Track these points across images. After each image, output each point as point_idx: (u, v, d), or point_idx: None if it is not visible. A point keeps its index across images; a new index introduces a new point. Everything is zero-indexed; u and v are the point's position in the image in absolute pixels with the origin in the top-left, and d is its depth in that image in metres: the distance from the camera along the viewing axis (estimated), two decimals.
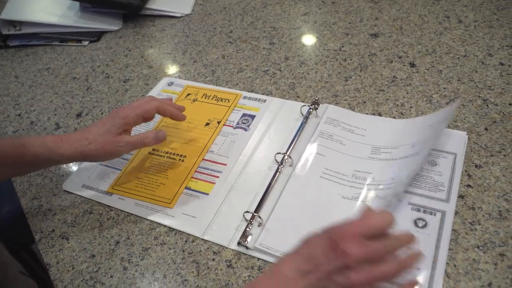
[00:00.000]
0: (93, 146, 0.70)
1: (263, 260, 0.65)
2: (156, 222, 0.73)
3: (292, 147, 0.79)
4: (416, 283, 0.57)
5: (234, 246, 0.67)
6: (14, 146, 0.69)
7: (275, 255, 0.65)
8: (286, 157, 0.76)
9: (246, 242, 0.67)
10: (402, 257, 0.51)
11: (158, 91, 0.99)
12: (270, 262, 0.65)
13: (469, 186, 0.70)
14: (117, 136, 0.71)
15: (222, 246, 0.68)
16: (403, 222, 0.66)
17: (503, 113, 0.80)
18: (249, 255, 0.66)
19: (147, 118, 0.76)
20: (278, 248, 0.66)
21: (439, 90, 0.86)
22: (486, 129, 0.78)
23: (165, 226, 0.72)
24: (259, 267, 0.65)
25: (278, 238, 0.67)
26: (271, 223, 0.69)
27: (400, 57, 0.96)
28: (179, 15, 1.24)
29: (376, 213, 0.51)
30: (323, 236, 0.51)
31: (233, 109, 0.91)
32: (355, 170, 0.74)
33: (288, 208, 0.71)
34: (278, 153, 0.78)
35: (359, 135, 0.80)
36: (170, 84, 1.00)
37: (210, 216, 0.72)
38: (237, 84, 0.97)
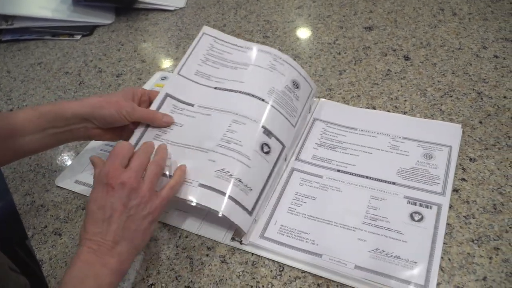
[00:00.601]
0: (101, 99, 0.69)
1: (257, 255, 0.65)
2: None
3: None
4: (184, 166, 0.67)
5: (228, 241, 0.67)
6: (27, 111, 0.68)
7: (268, 250, 0.65)
8: (282, 153, 0.75)
9: (240, 238, 0.66)
10: (155, 157, 0.65)
11: (151, 85, 0.98)
12: (264, 257, 0.65)
13: (463, 179, 0.69)
14: (128, 102, 0.71)
15: (216, 241, 0.68)
16: (400, 216, 0.66)
17: (497, 106, 0.80)
18: (243, 250, 0.66)
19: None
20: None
21: (434, 84, 0.86)
22: (480, 122, 0.77)
23: (158, 221, 0.72)
24: (253, 262, 0.64)
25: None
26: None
27: (394, 50, 0.95)
28: (173, 8, 1.23)
29: (116, 145, 0.63)
30: (98, 187, 0.59)
31: None
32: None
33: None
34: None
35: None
36: (163, 78, 0.99)
37: (203, 211, 0.71)
38: None
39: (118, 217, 0.57)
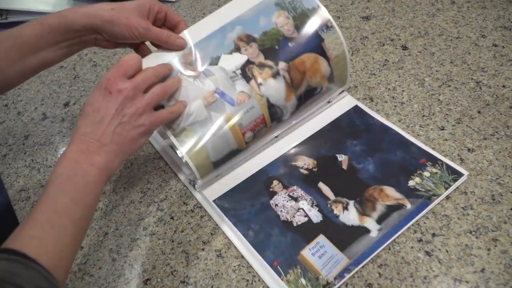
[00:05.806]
0: (113, 13, 0.66)
1: None
2: (145, 212, 0.72)
3: None
4: (185, 102, 0.67)
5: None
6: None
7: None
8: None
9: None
10: (166, 82, 0.65)
11: None
12: None
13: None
14: (142, 19, 0.67)
15: (212, 235, 0.67)
16: None
17: (496, 95, 0.79)
18: (240, 245, 0.65)
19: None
20: None
21: (432, 73, 0.85)
22: (479, 112, 0.76)
23: (154, 216, 0.71)
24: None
25: None
26: None
27: (392, 40, 0.94)
28: None
29: (126, 57, 0.62)
30: (96, 91, 0.60)
31: None
32: None
33: None
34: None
35: None
36: None
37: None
38: None
39: (110, 121, 0.58)
